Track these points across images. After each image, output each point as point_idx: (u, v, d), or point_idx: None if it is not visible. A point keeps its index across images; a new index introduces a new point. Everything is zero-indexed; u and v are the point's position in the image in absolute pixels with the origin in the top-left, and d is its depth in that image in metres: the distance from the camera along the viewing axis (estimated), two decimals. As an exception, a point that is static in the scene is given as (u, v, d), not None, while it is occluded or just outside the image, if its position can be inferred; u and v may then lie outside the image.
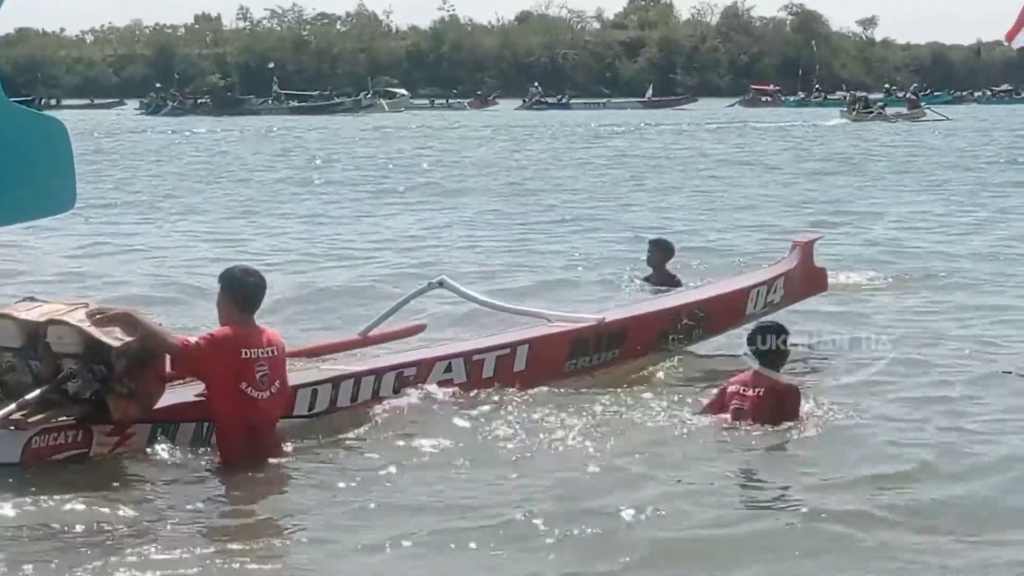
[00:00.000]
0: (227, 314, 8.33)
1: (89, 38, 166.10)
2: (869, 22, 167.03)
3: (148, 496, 7.79)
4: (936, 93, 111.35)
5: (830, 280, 12.49)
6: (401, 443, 8.80)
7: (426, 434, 8.90)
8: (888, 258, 18.01)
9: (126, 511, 7.46)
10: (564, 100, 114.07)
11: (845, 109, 77.23)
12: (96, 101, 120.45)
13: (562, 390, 9.94)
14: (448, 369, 9.81)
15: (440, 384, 9.69)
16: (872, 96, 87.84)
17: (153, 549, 6.91)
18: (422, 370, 9.72)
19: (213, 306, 8.61)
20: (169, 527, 7.29)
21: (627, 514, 7.33)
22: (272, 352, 8.27)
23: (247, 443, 8.22)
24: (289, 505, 7.80)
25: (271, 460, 8.30)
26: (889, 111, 76.46)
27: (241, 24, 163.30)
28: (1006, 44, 60.95)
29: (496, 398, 9.68)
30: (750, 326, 10.04)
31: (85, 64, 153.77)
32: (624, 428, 9.15)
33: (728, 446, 8.79)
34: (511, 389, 9.81)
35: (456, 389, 9.67)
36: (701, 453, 8.69)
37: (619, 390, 10.10)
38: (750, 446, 8.74)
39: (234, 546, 7.03)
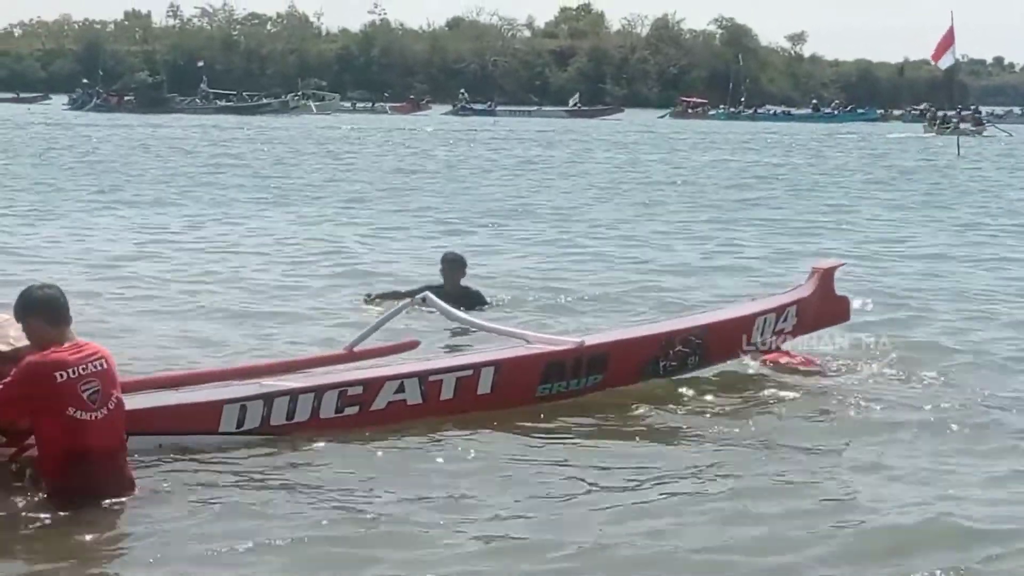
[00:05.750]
0: (40, 336, 7.39)
1: (17, 31, 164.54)
2: (798, 38, 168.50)
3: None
4: (860, 110, 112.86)
5: None
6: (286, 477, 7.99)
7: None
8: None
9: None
10: (491, 107, 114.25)
11: (927, 124, 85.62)
12: (22, 95, 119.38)
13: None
14: (400, 389, 9.05)
15: (391, 405, 8.99)
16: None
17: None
18: (370, 389, 8.98)
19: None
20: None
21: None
22: (102, 365, 7.33)
23: (78, 475, 7.23)
24: (125, 550, 6.93)
25: (110, 496, 7.32)
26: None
27: (171, 22, 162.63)
28: (933, 64, 62.52)
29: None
30: None
31: (12, 58, 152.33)
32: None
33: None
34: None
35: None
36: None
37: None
38: None
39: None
